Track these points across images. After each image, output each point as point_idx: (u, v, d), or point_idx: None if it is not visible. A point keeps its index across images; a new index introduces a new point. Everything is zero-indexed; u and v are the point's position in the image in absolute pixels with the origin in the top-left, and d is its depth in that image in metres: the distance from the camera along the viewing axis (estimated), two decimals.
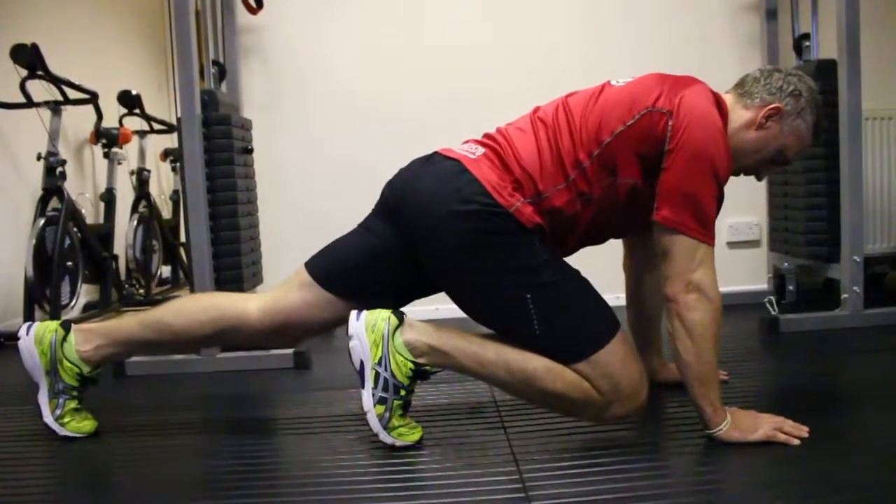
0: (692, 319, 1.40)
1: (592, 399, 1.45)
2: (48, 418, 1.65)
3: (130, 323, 1.69)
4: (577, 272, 1.52)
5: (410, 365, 1.48)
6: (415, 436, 1.52)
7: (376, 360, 1.48)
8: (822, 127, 1.58)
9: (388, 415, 1.49)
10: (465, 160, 1.50)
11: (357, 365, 1.50)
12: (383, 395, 1.48)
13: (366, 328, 1.49)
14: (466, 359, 1.49)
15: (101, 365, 1.69)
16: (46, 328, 1.65)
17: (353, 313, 1.52)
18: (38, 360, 1.63)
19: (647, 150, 1.45)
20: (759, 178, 1.66)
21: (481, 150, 1.53)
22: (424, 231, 1.50)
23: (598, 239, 1.62)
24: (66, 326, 1.66)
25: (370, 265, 1.59)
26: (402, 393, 1.49)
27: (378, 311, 1.51)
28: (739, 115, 1.53)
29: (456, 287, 1.55)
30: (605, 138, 1.46)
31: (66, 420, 1.65)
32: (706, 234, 1.41)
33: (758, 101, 1.53)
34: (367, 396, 1.49)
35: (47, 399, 1.65)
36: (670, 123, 1.42)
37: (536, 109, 1.60)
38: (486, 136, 1.59)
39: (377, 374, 1.48)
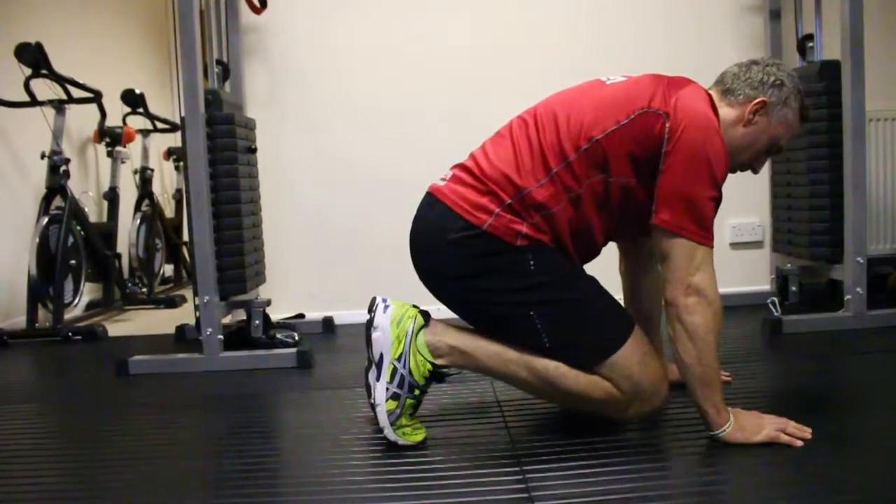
0: (692, 322, 1.40)
1: (614, 397, 1.45)
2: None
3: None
4: (580, 274, 1.52)
5: (429, 366, 1.49)
6: (418, 437, 1.52)
7: (396, 356, 1.48)
8: (807, 112, 1.57)
9: (398, 412, 1.49)
10: (435, 190, 1.53)
11: (376, 356, 1.50)
12: (397, 391, 1.48)
13: (391, 322, 1.50)
14: (488, 358, 1.49)
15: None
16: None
17: (381, 304, 1.53)
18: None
19: (641, 151, 1.43)
20: (755, 172, 1.64)
21: (451, 173, 1.55)
22: (428, 272, 1.54)
23: (592, 244, 1.55)
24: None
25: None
26: (416, 392, 1.49)
27: (407, 306, 1.52)
28: (726, 113, 1.52)
29: (468, 312, 1.56)
30: (595, 134, 1.44)
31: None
32: (705, 236, 1.41)
33: (741, 98, 1.52)
34: (380, 390, 1.49)
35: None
36: (667, 125, 1.41)
37: (521, 113, 1.58)
38: (469, 155, 1.57)
39: (394, 370, 1.48)
